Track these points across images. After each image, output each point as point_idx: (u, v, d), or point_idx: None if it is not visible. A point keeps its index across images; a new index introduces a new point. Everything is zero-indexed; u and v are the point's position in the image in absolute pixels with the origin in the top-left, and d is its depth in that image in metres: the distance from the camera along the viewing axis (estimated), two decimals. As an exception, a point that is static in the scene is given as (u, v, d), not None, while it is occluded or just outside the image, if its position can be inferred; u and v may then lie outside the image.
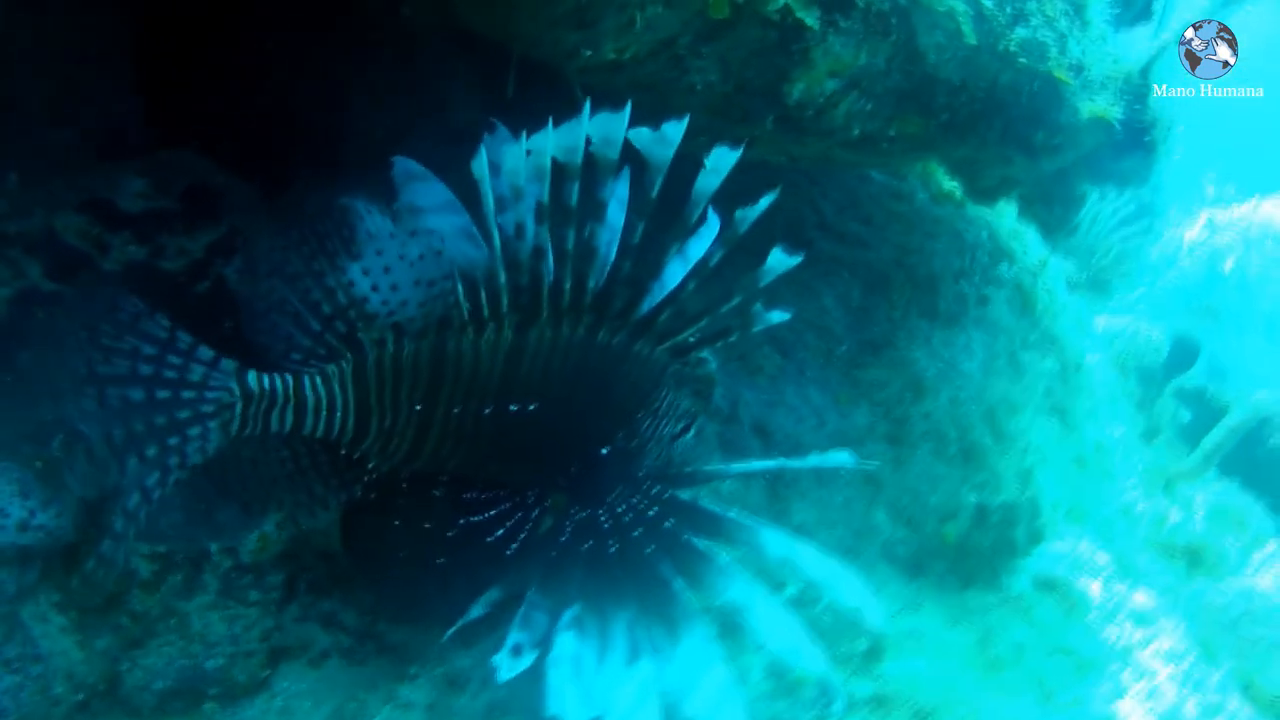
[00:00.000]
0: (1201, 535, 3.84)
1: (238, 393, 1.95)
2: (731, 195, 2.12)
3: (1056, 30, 2.61)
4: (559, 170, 1.98)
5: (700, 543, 2.03)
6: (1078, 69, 2.64)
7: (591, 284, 2.10)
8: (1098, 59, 2.71)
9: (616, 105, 2.00)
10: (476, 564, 2.13)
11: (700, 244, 2.18)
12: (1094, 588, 3.21)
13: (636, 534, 2.08)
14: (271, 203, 2.78)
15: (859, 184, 4.02)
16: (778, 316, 2.17)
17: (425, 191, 2.10)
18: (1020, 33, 2.55)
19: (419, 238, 2.04)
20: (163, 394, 1.88)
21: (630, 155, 2.06)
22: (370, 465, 2.21)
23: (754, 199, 2.10)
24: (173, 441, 1.90)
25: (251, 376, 1.98)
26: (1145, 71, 2.70)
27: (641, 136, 2.00)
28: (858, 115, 2.51)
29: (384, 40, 3.14)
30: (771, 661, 2.34)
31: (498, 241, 2.01)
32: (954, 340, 3.70)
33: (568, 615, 1.91)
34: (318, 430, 2.06)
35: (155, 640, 2.40)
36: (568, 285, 2.09)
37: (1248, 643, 3.24)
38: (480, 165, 1.95)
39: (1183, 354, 4.74)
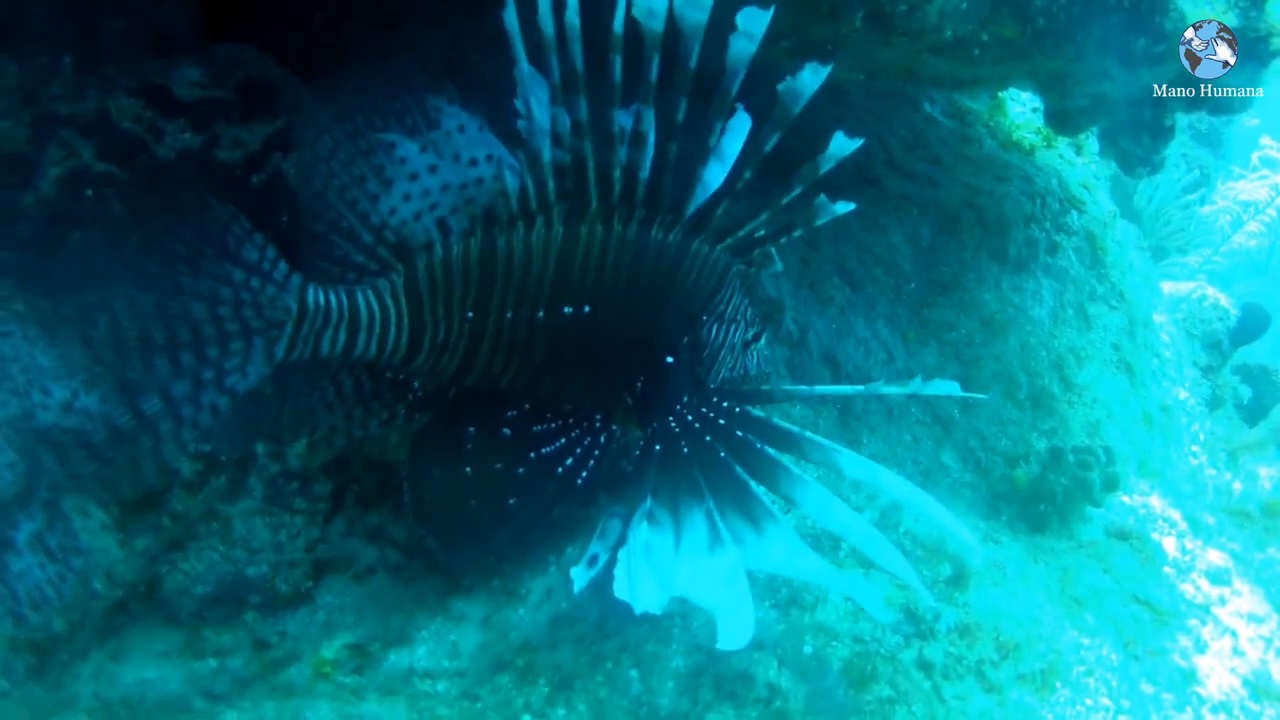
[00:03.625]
0: (1276, 500, 3.67)
1: (294, 310, 1.84)
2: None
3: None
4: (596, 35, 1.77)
5: (773, 452, 1.89)
6: (1186, -31, 2.48)
7: (642, 175, 1.92)
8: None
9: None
10: (549, 499, 2.01)
11: (735, 138, 2.02)
12: (1168, 543, 3.05)
13: (708, 439, 1.94)
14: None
15: (926, 126, 3.86)
16: (843, 207, 1.96)
17: (457, 118, 1.89)
18: (1126, -70, 2.40)
19: (455, 137, 1.89)
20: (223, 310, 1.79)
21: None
22: (416, 385, 2.11)
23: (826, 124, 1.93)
24: (213, 353, 1.79)
25: (310, 292, 1.87)
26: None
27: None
28: (951, 14, 2.36)
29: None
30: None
31: (537, 111, 1.82)
32: (1023, 286, 3.55)
33: (639, 511, 1.78)
34: (370, 350, 1.94)
35: (196, 543, 2.29)
36: (616, 174, 1.92)
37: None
38: (511, 18, 1.71)
39: (1253, 322, 4.55)
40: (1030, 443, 3.10)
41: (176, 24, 2.75)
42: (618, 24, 1.73)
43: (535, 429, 2.00)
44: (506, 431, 1.99)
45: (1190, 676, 2.51)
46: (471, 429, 1.99)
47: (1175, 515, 3.23)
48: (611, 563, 1.70)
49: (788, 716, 1.85)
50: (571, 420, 2.03)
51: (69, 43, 2.41)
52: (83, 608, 2.10)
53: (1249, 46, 2.53)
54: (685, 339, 2.08)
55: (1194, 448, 4.04)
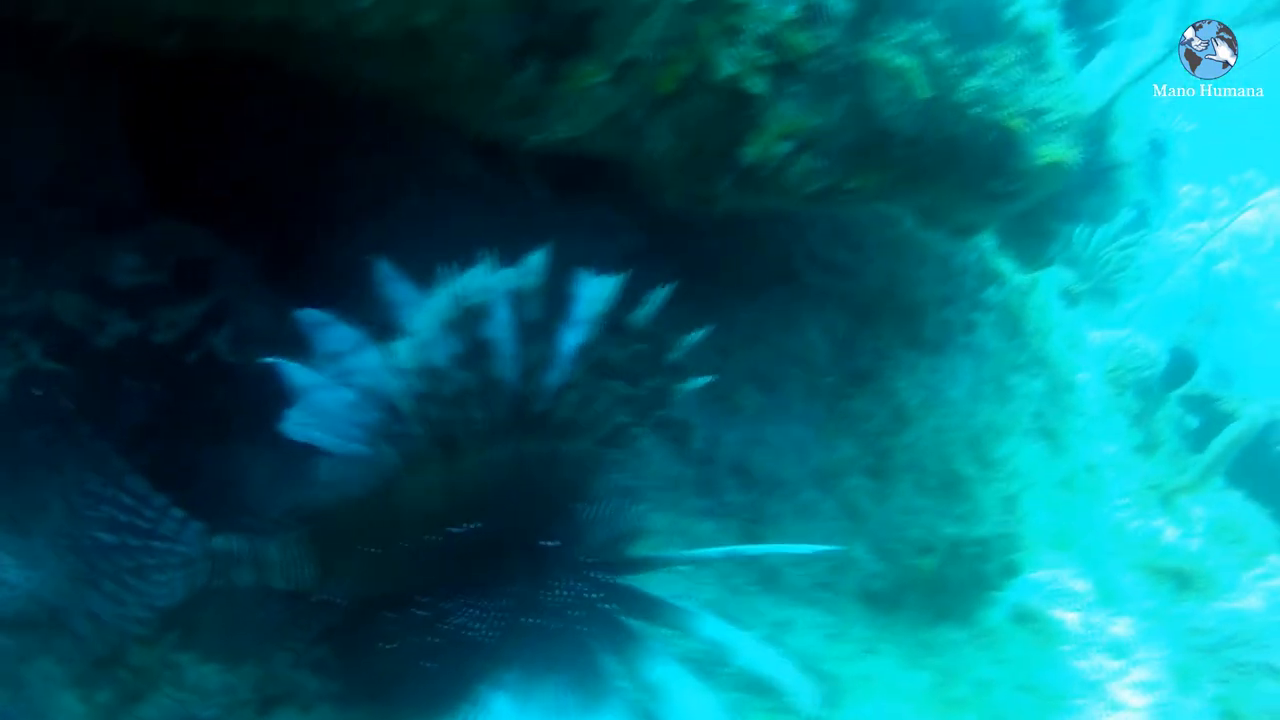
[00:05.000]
0: (1194, 554, 3.85)
1: (203, 553, 2.12)
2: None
3: (1011, 78, 2.65)
4: (442, 334, 2.07)
5: (633, 624, 2.16)
6: (1035, 114, 2.68)
7: (502, 409, 2.19)
8: (1057, 102, 2.74)
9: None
10: (460, 659, 2.26)
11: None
12: (1071, 618, 3.25)
13: (576, 614, 2.20)
14: (264, 269, 2.91)
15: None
16: (702, 382, 2.32)
17: (336, 336, 2.15)
18: (974, 83, 2.60)
19: (348, 388, 2.15)
20: (134, 541, 2.06)
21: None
22: (335, 601, 2.34)
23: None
24: (134, 583, 2.09)
25: (218, 540, 2.14)
26: (1104, 113, 2.73)
27: (507, 278, 2.06)
28: (814, 173, 2.57)
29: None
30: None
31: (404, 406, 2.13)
32: (940, 367, 3.73)
33: (502, 683, 2.07)
34: (283, 584, 2.22)
35: (154, 693, 2.55)
36: (480, 418, 2.19)
37: (1230, 668, 3.26)
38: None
39: (1180, 365, 4.73)
40: (939, 530, 3.30)
41: (119, 199, 3.00)
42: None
43: (445, 605, 2.26)
44: (420, 613, 2.25)
45: (1072, 760, 2.72)
46: (390, 614, 2.26)
47: (1083, 586, 3.42)
48: None
49: None
50: (477, 593, 2.29)
51: (15, 240, 2.66)
52: (51, 768, 2.36)
53: (1097, 177, 2.73)
54: (560, 526, 2.33)
55: (1123, 500, 4.23)
